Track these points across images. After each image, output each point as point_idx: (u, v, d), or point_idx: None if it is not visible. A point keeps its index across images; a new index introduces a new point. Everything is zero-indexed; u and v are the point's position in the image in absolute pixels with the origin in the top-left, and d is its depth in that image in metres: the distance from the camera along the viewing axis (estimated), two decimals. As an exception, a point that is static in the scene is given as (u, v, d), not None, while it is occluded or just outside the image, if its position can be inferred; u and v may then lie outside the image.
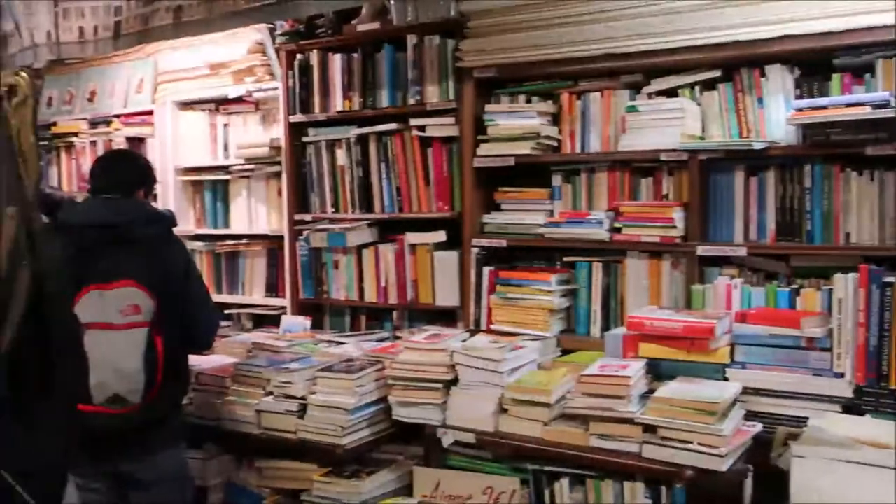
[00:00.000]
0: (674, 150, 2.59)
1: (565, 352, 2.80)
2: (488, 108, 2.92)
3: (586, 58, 2.71)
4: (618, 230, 2.71)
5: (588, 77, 2.83)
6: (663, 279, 2.70)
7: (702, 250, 2.58)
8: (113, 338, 2.39)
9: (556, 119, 2.91)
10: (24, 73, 1.37)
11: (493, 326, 2.87)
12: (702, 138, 2.65)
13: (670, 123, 2.60)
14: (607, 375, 2.29)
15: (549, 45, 2.75)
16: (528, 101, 2.93)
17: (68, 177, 4.24)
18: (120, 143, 3.93)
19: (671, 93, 2.70)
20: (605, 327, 2.79)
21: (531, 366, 2.61)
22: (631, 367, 2.33)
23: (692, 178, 2.61)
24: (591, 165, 2.86)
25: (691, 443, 2.12)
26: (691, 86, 2.68)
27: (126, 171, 2.67)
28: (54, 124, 4.21)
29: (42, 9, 2.98)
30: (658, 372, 2.42)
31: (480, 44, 2.87)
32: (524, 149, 2.83)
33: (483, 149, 2.91)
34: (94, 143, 4.08)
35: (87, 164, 4.07)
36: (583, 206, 2.87)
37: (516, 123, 2.84)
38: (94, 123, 4.09)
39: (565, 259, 2.91)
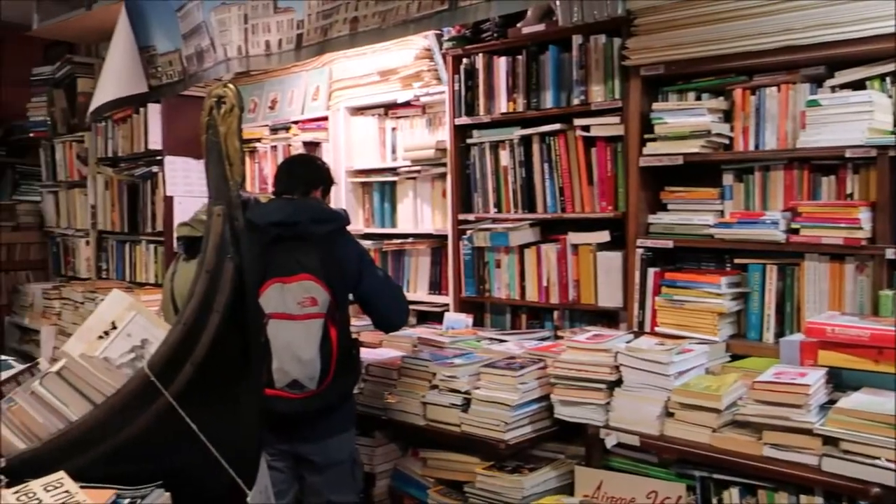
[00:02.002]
0: (860, 147, 2.43)
1: (735, 357, 2.70)
2: (656, 106, 2.87)
3: (762, 51, 2.60)
4: (795, 231, 2.58)
5: (763, 71, 2.71)
6: (846, 283, 2.54)
7: (892, 253, 2.40)
8: (292, 327, 2.57)
9: (727, 116, 2.81)
10: (231, 85, 1.51)
11: (657, 329, 2.82)
12: (893, 133, 2.47)
13: (857, 118, 2.44)
14: (784, 383, 2.18)
15: (720, 40, 2.67)
16: (698, 98, 2.85)
17: (251, 179, 4.57)
18: (297, 147, 4.20)
19: (858, 85, 2.54)
20: (780, 333, 2.66)
21: (699, 370, 2.54)
22: (810, 376, 2.21)
23: (881, 175, 2.44)
24: (765, 164, 2.74)
25: (879, 458, 1.98)
26: (881, 77, 2.50)
27: (304, 173, 2.87)
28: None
29: (234, 26, 3.24)
30: (839, 381, 2.28)
31: (648, 41, 2.82)
32: (693, 147, 2.75)
33: (650, 148, 2.86)
34: (274, 147, 4.38)
35: (268, 167, 4.39)
36: (756, 206, 2.76)
37: (685, 121, 2.77)
38: (274, 129, 4.39)
39: (736, 261, 2.80)
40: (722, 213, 2.81)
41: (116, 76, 3.91)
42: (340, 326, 2.65)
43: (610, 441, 2.48)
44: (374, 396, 3.03)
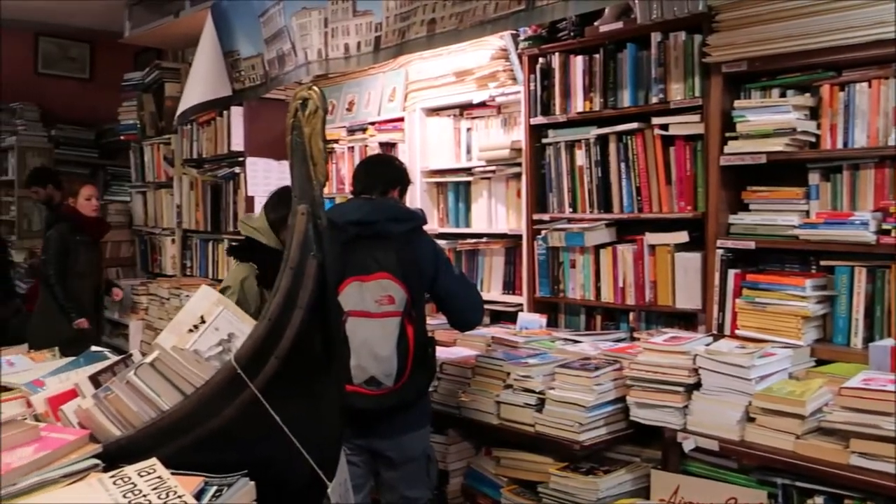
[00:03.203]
0: (959, 144, 2.32)
1: (820, 362, 2.61)
2: (738, 103, 2.80)
3: (851, 46, 2.51)
4: (886, 232, 2.48)
5: (853, 66, 2.62)
6: (942, 287, 2.43)
7: None
8: (370, 325, 2.61)
9: (814, 113, 2.72)
10: (316, 88, 1.55)
11: (737, 332, 2.75)
12: None
13: (955, 114, 2.34)
14: (873, 390, 2.10)
15: (807, 35, 2.59)
16: (783, 95, 2.77)
17: (328, 180, 4.67)
18: (374, 148, 4.26)
19: (955, 79, 2.43)
20: (869, 338, 2.56)
21: (781, 375, 2.47)
22: (901, 382, 2.12)
23: (981, 174, 2.32)
24: (854, 162, 2.64)
25: (977, 471, 1.89)
26: (981, 71, 2.38)
27: (382, 173, 2.92)
28: (318, 132, 4.65)
29: (314, 30, 3.32)
30: (934, 390, 2.18)
31: (730, 37, 2.76)
32: (777, 145, 2.68)
33: (731, 146, 2.80)
34: (351, 148, 4.46)
35: (345, 168, 4.47)
36: (844, 207, 2.66)
37: (769, 119, 2.69)
38: (351, 131, 4.47)
39: (822, 263, 2.71)
40: (807, 213, 2.72)
41: (202, 80, 4.06)
42: (417, 324, 2.68)
43: (688, 445, 2.44)
44: (448, 394, 3.06)
